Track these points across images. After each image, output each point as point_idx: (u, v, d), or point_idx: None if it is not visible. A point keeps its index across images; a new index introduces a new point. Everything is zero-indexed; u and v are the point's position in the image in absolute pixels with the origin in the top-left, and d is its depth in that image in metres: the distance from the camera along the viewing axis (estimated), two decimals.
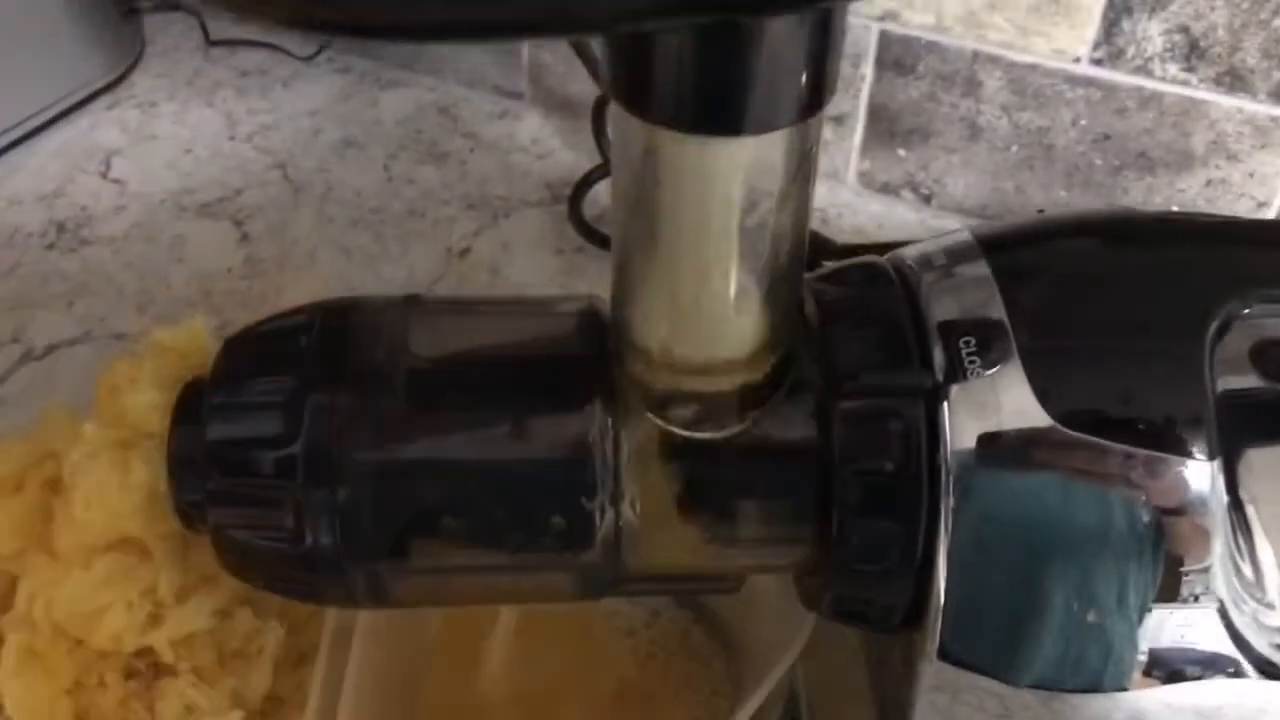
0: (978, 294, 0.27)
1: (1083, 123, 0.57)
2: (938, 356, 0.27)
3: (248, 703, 0.32)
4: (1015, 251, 0.28)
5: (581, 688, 0.39)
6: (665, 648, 0.40)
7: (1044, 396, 0.25)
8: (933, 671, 0.30)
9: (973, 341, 0.26)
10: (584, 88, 0.68)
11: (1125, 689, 0.33)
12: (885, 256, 0.30)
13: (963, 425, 0.26)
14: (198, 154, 0.69)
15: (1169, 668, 0.33)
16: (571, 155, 0.69)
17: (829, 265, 0.30)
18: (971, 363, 0.26)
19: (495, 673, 0.39)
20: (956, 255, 0.29)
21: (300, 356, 0.28)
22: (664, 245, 0.25)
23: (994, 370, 0.26)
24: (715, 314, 0.26)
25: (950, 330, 0.27)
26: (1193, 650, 0.33)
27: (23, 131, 0.69)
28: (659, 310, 0.26)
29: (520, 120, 0.72)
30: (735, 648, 0.39)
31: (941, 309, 0.27)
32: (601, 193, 0.64)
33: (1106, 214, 0.30)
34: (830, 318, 0.28)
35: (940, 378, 0.26)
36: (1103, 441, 0.25)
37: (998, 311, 0.27)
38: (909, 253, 0.30)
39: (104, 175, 0.68)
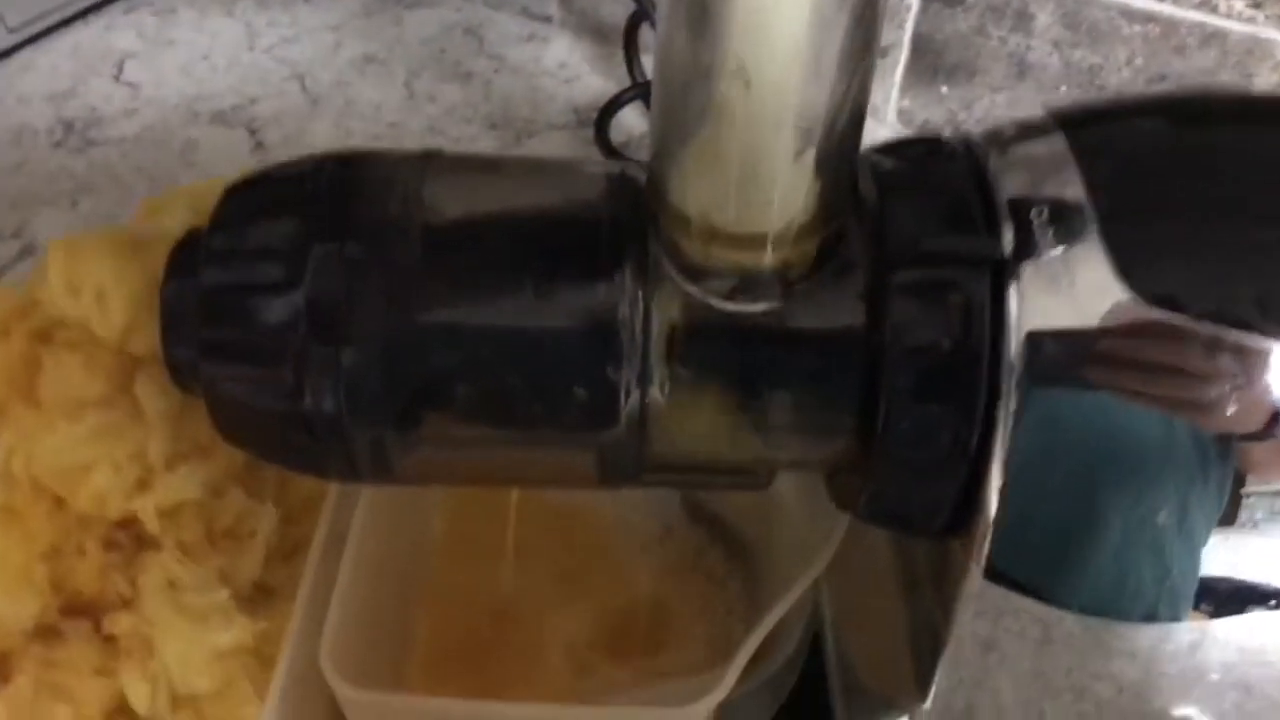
0: (1053, 169, 0.25)
1: (1138, 61, 0.55)
2: (1007, 233, 0.24)
3: (236, 587, 0.30)
4: (1095, 127, 0.26)
5: (590, 603, 0.37)
6: (680, 566, 0.38)
7: (1125, 274, 0.23)
8: (976, 588, 0.27)
9: (1047, 215, 0.24)
10: (615, 9, 0.65)
11: (1179, 619, 0.31)
12: (949, 134, 0.27)
13: (1032, 304, 0.24)
14: (214, 62, 0.67)
15: (1219, 599, 0.31)
16: (600, 80, 0.66)
17: (886, 140, 0.28)
18: (1045, 238, 0.24)
19: (500, 583, 0.37)
20: (1029, 131, 0.26)
21: (307, 203, 0.26)
22: (713, 96, 0.23)
23: (1070, 247, 0.24)
24: (764, 176, 0.24)
25: (1022, 205, 0.24)
26: (1246, 582, 0.30)
27: (36, 30, 0.67)
28: (702, 169, 0.24)
29: (548, 44, 0.69)
30: (753, 568, 0.37)
31: (1013, 184, 0.25)
32: (627, 117, 0.62)
33: (1191, 91, 0.28)
34: (888, 188, 0.25)
35: (1010, 253, 0.24)
36: (1188, 321, 0.23)
37: (1075, 187, 0.24)
38: (974, 130, 0.27)
39: (116, 78, 0.65)
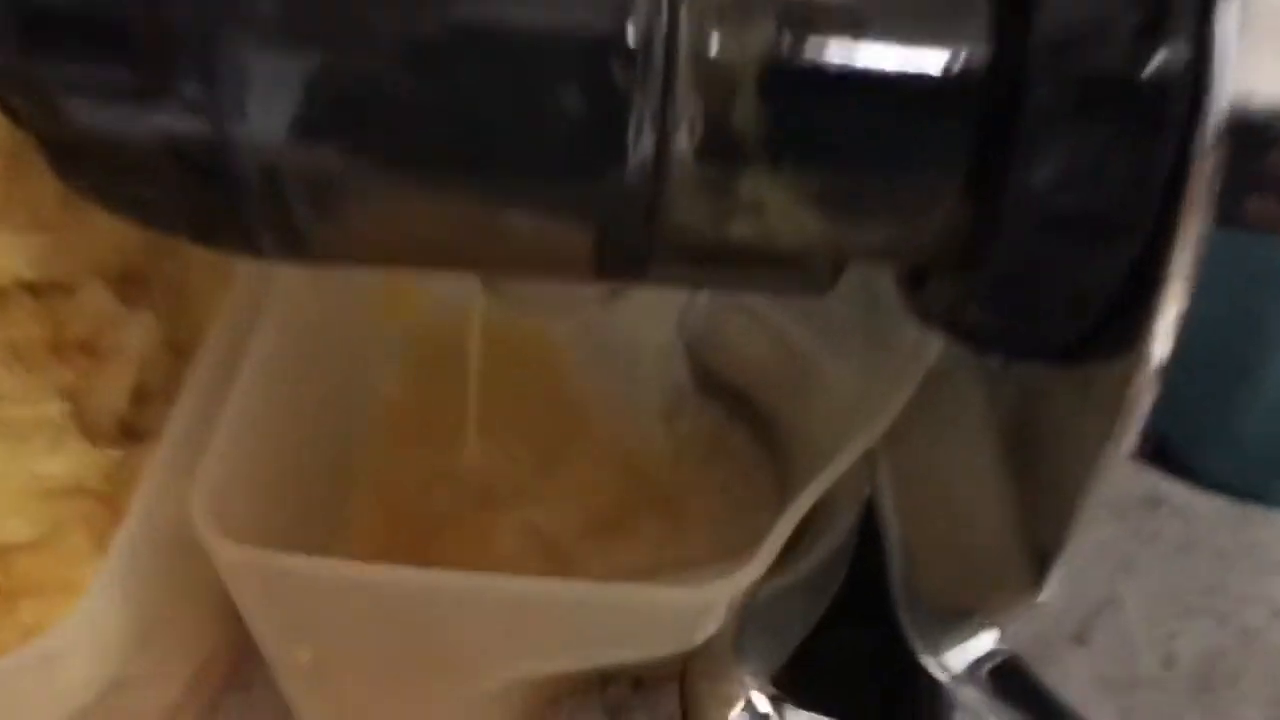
0: None
1: None
2: None
3: (88, 414, 0.22)
4: None
5: (575, 491, 0.29)
6: (690, 449, 0.30)
7: None
8: (1111, 461, 0.19)
9: None
10: None
11: None
12: None
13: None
14: None
15: None
16: None
17: None
18: None
19: (462, 461, 0.29)
20: None
21: None
22: None
23: None
24: None
25: None
26: None
27: None
28: None
29: None
30: (786, 451, 0.29)
31: None
32: None
33: None
34: None
35: None
36: None
37: None
38: None
39: None
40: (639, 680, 0.30)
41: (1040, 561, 0.20)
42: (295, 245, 0.20)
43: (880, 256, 0.20)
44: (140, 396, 0.24)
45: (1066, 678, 0.25)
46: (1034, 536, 0.21)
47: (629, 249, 0.19)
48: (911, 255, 0.20)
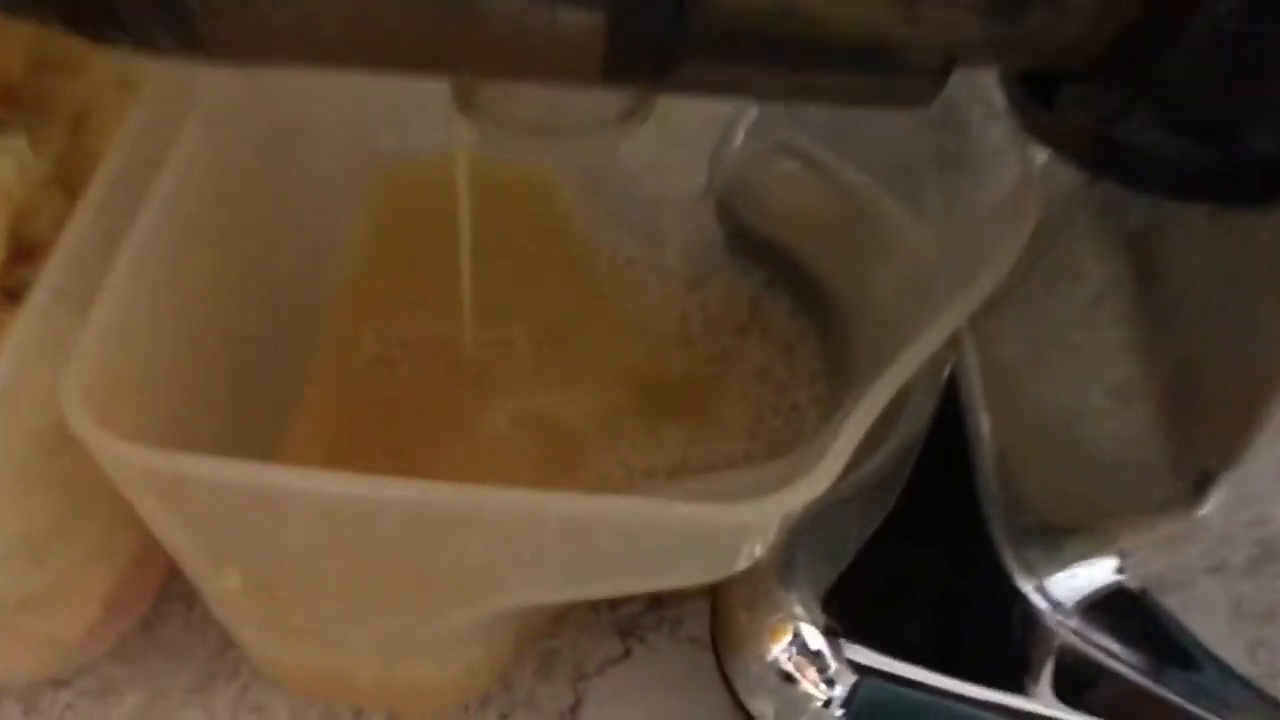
0: None
1: None
2: None
3: None
4: None
5: (584, 377, 0.24)
6: (721, 324, 0.25)
7: None
8: None
9: None
10: None
11: None
12: None
13: None
14: None
15: None
16: None
17: None
18: None
19: (447, 344, 0.24)
20: None
21: None
22: None
23: None
24: None
25: None
26: None
27: None
28: None
29: None
30: (838, 325, 0.24)
31: None
32: None
33: None
34: None
35: None
36: None
37: None
38: None
39: None
40: (657, 596, 0.26)
41: (1198, 476, 0.15)
42: (189, 33, 0.14)
43: (1002, 50, 0.14)
44: (24, 251, 0.19)
45: (1196, 605, 0.20)
46: (1186, 446, 0.16)
47: (649, 43, 0.14)
48: (1044, 49, 0.14)
